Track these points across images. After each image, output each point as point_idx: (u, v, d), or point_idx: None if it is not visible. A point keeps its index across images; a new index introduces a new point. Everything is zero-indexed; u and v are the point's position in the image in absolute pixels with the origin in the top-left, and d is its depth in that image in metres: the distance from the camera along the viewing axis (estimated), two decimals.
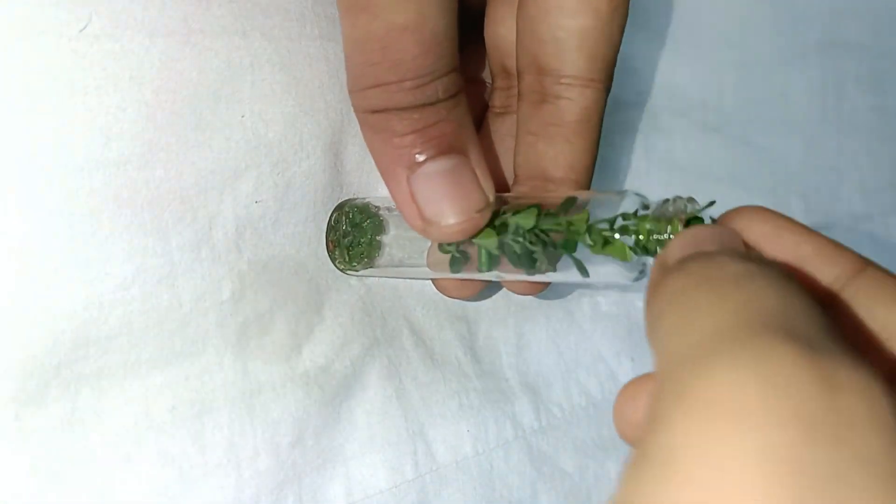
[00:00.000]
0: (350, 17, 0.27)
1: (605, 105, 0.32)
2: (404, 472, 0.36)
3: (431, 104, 0.28)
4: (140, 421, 0.29)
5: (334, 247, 0.34)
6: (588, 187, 0.33)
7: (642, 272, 0.28)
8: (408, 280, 0.38)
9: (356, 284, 0.36)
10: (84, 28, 0.29)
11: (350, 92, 0.29)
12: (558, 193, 0.31)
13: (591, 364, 0.44)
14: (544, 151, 0.32)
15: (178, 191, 0.30)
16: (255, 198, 0.32)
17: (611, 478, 0.45)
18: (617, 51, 0.31)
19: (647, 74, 0.49)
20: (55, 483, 0.28)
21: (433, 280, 0.35)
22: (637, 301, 0.48)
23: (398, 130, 0.28)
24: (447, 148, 0.29)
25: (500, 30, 0.34)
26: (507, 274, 0.31)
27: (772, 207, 0.57)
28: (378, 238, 0.33)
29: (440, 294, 0.37)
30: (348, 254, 0.34)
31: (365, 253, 0.34)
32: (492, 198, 0.30)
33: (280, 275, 0.33)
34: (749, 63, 0.56)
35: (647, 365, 0.47)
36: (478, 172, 0.30)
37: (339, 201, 0.35)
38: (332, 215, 0.34)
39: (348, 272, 0.35)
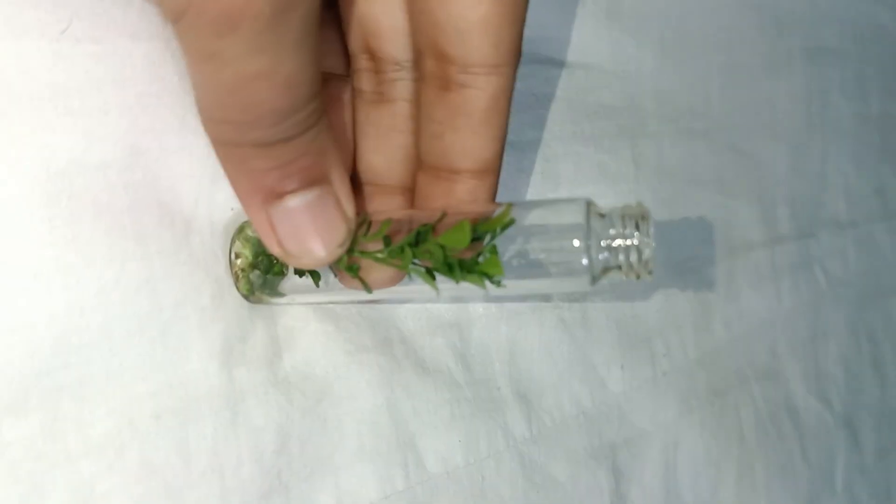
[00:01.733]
0: (195, 64, 0.24)
1: (513, 89, 0.30)
2: (395, 483, 0.35)
3: (290, 139, 0.26)
4: (123, 430, 0.29)
5: (246, 287, 0.32)
6: (497, 176, 0.32)
7: (595, 278, 0.27)
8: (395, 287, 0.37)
9: (343, 291, 0.35)
10: (65, 30, 0.28)
11: (200, 115, 0.26)
12: (482, 208, 0.30)
13: (582, 373, 0.44)
14: (451, 142, 0.30)
15: (156, 195, 0.30)
16: (231, 205, 0.32)
17: (602, 487, 0.45)
18: (523, 28, 0.29)
19: (636, 80, 0.49)
20: (35, 493, 0.27)
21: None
22: (626, 308, 0.47)
23: (255, 166, 0.26)
24: (309, 181, 0.27)
25: (363, 7, 0.31)
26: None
27: (758, 213, 0.57)
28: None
29: (431, 301, 0.36)
30: (261, 288, 0.32)
31: (275, 279, 0.32)
32: (353, 225, 0.29)
33: None
34: (735, 69, 0.57)
35: (637, 373, 0.47)
36: (341, 198, 0.28)
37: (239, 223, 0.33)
38: (231, 258, 0.32)
39: (263, 303, 0.33)
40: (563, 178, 0.44)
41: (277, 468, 0.32)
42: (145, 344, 0.29)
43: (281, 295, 0.32)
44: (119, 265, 0.29)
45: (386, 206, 0.32)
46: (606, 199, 0.46)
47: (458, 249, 0.28)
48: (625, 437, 0.46)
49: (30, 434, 0.27)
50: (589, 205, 0.27)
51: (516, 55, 0.30)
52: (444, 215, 0.28)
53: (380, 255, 0.29)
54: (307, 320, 0.34)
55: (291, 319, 0.34)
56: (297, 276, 0.32)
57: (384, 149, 0.32)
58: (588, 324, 0.45)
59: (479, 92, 0.29)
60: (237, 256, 0.32)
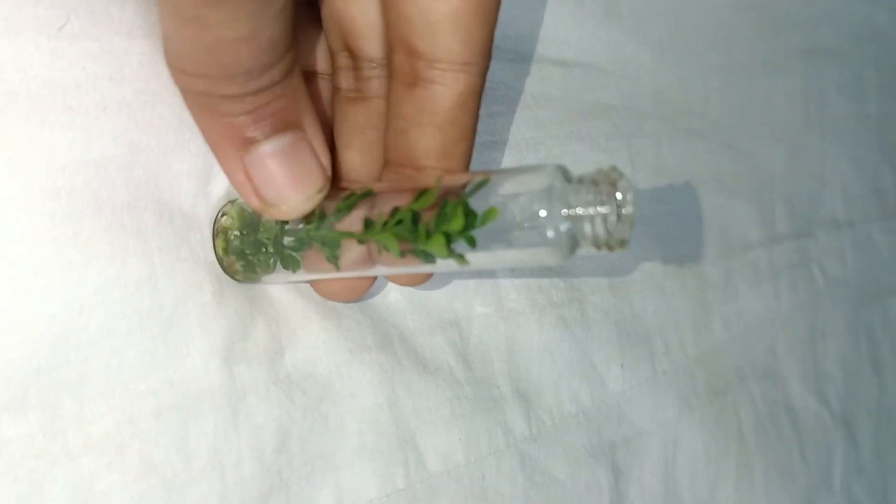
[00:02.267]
0: (173, 24, 0.24)
1: (482, 88, 0.30)
2: (395, 482, 0.35)
3: (264, 89, 0.26)
4: (123, 428, 0.28)
5: (222, 244, 0.32)
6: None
7: (566, 250, 0.26)
8: (396, 286, 0.37)
9: None
10: (63, 27, 0.28)
11: (168, 65, 0.26)
12: (459, 176, 0.29)
13: (582, 371, 0.44)
14: (416, 139, 0.30)
15: (156, 192, 0.30)
16: (229, 200, 0.32)
17: (602, 486, 0.44)
18: (494, 28, 0.29)
19: (634, 79, 0.49)
20: (35, 492, 0.27)
21: (312, 284, 0.34)
22: (626, 307, 0.47)
23: (228, 112, 0.26)
24: (282, 125, 0.27)
25: (341, 5, 0.31)
26: (398, 268, 0.30)
27: (756, 212, 0.57)
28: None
29: (430, 299, 0.36)
30: (238, 255, 0.32)
31: (258, 266, 0.32)
32: (329, 172, 0.29)
33: None
34: (734, 68, 0.57)
35: (636, 372, 0.47)
36: (315, 145, 0.28)
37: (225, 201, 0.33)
38: (217, 217, 0.32)
39: (233, 273, 0.33)
40: None
41: (278, 466, 0.32)
42: (146, 341, 0.29)
43: (257, 277, 0.32)
44: (120, 262, 0.29)
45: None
46: None
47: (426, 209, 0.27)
48: (624, 435, 0.46)
49: (29, 432, 0.27)
50: (558, 171, 0.26)
51: (486, 55, 0.29)
52: (424, 190, 0.28)
53: (359, 234, 0.28)
54: (309, 318, 0.34)
55: (294, 316, 0.34)
56: (281, 269, 0.31)
57: (360, 145, 0.32)
58: (588, 322, 0.45)
59: (445, 89, 0.29)
60: (223, 215, 0.32)
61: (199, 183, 0.31)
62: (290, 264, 0.31)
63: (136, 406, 0.29)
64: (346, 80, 0.32)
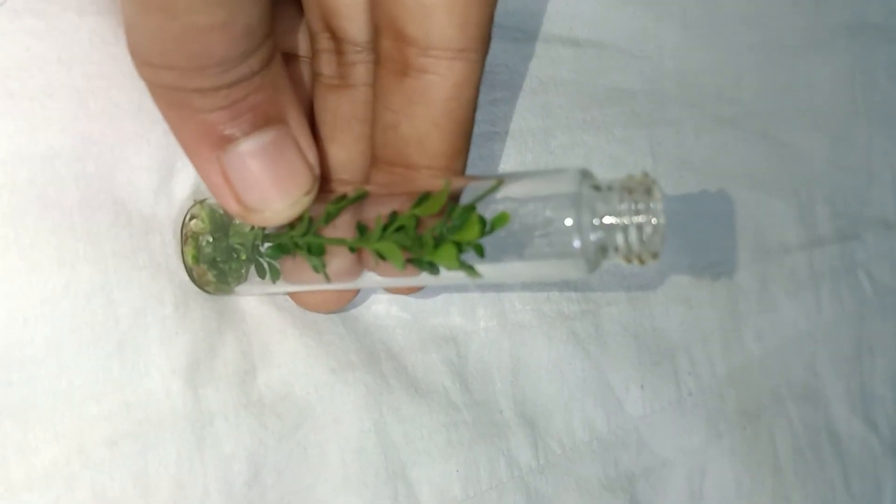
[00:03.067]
0: (135, 10, 0.24)
1: (480, 78, 0.30)
2: None
3: (241, 81, 0.26)
4: (73, 458, 0.28)
5: (192, 252, 0.32)
6: (461, 175, 0.31)
7: (591, 262, 0.26)
8: (385, 296, 0.37)
9: None
10: (4, 2, 0.28)
11: (132, 56, 0.26)
12: (478, 178, 0.29)
13: (596, 393, 0.44)
14: (408, 134, 0.30)
15: (111, 190, 0.30)
16: (194, 197, 0.32)
17: None
18: (493, 11, 0.29)
19: (655, 59, 0.49)
20: None
21: (291, 294, 0.34)
22: (646, 320, 0.47)
23: (201, 107, 0.26)
24: (262, 120, 0.27)
25: None
26: (392, 279, 0.30)
27: (795, 211, 0.57)
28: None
29: (423, 310, 0.36)
30: (210, 264, 0.32)
31: (230, 275, 0.32)
32: (318, 171, 0.29)
33: None
34: (770, 47, 0.57)
35: (658, 393, 0.47)
36: (300, 142, 0.28)
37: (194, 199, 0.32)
38: (185, 220, 0.32)
39: (202, 284, 0.33)
40: None
41: (249, 501, 0.32)
42: (99, 359, 0.29)
43: (229, 288, 0.32)
44: (69, 269, 0.29)
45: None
46: None
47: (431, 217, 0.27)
48: (644, 466, 0.46)
49: None
50: (584, 175, 0.26)
51: (485, 41, 0.29)
52: (426, 194, 0.28)
53: (351, 241, 0.28)
54: (285, 333, 0.34)
55: (267, 331, 0.34)
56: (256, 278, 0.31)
57: (344, 139, 0.32)
58: (603, 337, 0.45)
59: (440, 79, 0.29)
60: (192, 218, 0.32)
61: (160, 179, 0.31)
62: (270, 273, 0.31)
63: (88, 433, 0.29)
64: (327, 66, 0.32)
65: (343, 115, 0.32)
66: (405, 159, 0.30)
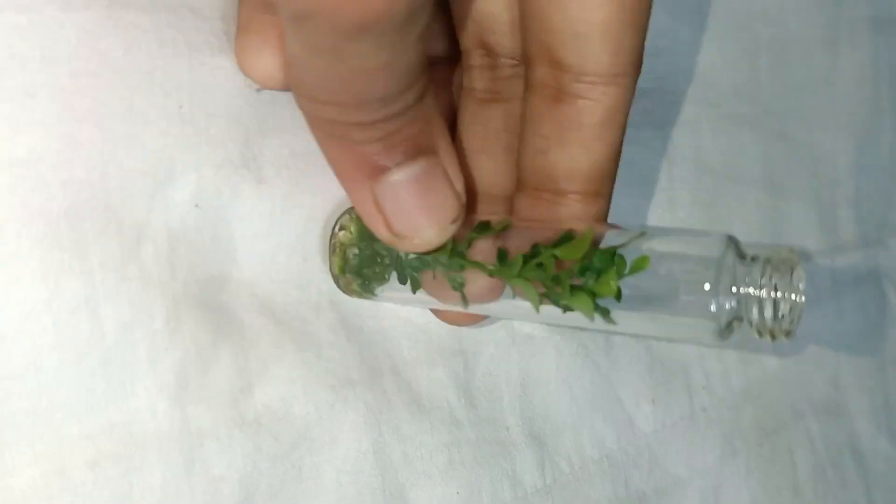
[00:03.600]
0: (306, 54, 0.27)
1: (631, 101, 0.33)
2: None
3: (397, 115, 0.28)
4: (52, 480, 0.29)
5: (339, 263, 0.35)
6: (609, 200, 0.34)
7: (723, 329, 0.28)
8: (392, 306, 0.37)
9: (326, 311, 0.36)
10: None
11: (294, 90, 0.29)
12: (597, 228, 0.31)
13: (606, 409, 0.44)
14: (557, 160, 0.32)
15: (101, 196, 0.30)
16: (195, 202, 0.32)
17: None
18: (645, 36, 0.32)
19: (669, 56, 0.50)
20: None
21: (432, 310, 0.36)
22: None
23: (359, 139, 0.29)
24: (414, 151, 0.30)
25: (479, 2, 0.34)
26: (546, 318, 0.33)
27: (815, 216, 0.57)
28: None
29: (433, 322, 0.36)
30: (356, 273, 0.34)
31: (373, 279, 0.34)
32: (464, 199, 0.31)
33: (223, 300, 0.33)
34: (789, 43, 0.57)
35: (671, 409, 0.47)
36: (449, 171, 0.31)
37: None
38: (333, 230, 0.35)
39: (351, 292, 0.35)
40: None
41: None
42: (82, 377, 0.29)
43: (373, 294, 0.34)
44: (52, 282, 0.29)
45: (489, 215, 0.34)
46: (629, 202, 0.46)
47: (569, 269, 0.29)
48: (656, 485, 0.46)
49: None
50: (730, 241, 0.28)
51: (637, 65, 0.32)
52: (570, 233, 0.30)
53: (490, 267, 0.31)
54: (283, 348, 0.34)
55: (265, 346, 0.34)
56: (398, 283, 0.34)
57: (494, 151, 0.35)
58: (613, 351, 0.45)
59: (594, 104, 0.31)
60: (341, 228, 0.34)
61: (156, 183, 0.31)
62: (411, 284, 0.33)
63: (69, 454, 0.29)
64: (480, 80, 0.35)
65: (494, 128, 0.35)
66: (555, 184, 0.33)
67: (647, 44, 0.48)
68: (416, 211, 0.30)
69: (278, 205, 0.34)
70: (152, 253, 0.31)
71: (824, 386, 0.58)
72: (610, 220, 0.34)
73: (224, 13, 0.33)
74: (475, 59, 0.35)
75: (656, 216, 0.48)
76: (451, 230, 0.31)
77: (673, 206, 0.48)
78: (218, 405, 0.32)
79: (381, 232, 0.31)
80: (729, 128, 0.52)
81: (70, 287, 0.29)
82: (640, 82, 0.47)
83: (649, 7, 0.32)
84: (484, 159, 0.35)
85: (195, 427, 0.31)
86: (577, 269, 0.29)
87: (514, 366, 0.41)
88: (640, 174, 0.47)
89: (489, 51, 0.35)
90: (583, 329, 0.43)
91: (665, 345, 0.48)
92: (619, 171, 0.46)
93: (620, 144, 0.33)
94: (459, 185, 0.31)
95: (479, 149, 0.35)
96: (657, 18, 0.48)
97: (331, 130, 0.29)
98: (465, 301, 0.32)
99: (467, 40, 0.35)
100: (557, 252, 0.30)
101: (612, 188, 0.34)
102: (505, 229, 0.32)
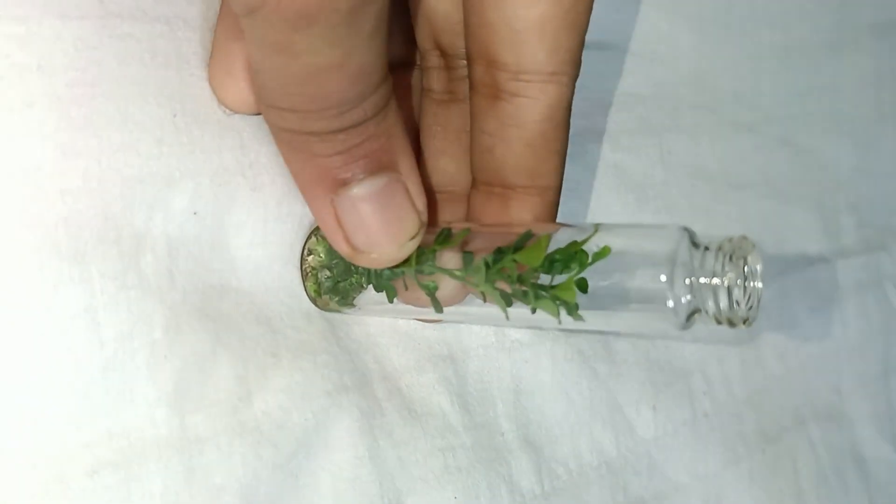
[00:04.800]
0: (262, 55, 0.27)
1: (571, 100, 0.33)
2: None
3: (357, 125, 0.29)
4: (51, 488, 0.29)
5: (313, 287, 0.35)
6: (558, 195, 0.34)
7: (683, 321, 0.28)
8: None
9: (317, 319, 0.36)
10: None
11: (260, 101, 0.29)
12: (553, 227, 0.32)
13: (605, 414, 0.44)
14: (503, 157, 0.33)
15: (99, 205, 0.30)
16: (194, 210, 0.33)
17: None
18: (584, 35, 0.32)
19: (669, 62, 0.50)
20: None
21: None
22: (659, 339, 0.48)
23: (319, 152, 0.29)
24: (375, 167, 0.30)
25: (433, 2, 0.34)
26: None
27: (817, 221, 0.58)
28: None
29: (416, 327, 0.37)
30: (331, 292, 0.35)
31: (350, 290, 0.35)
32: (425, 217, 0.32)
33: (222, 308, 0.33)
34: (790, 48, 0.57)
35: (672, 414, 0.47)
36: (410, 188, 0.31)
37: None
38: (302, 254, 0.35)
39: (331, 310, 0.36)
40: (569, 183, 0.44)
41: None
42: (81, 385, 0.29)
43: (352, 305, 0.35)
44: (51, 290, 0.29)
45: (454, 215, 0.35)
46: (626, 210, 0.46)
47: (532, 268, 0.30)
48: (656, 491, 0.46)
49: None
50: (684, 233, 0.28)
51: (575, 64, 0.32)
52: (528, 234, 0.31)
53: (458, 272, 0.32)
54: (279, 356, 0.34)
55: (263, 354, 0.34)
56: (373, 290, 0.34)
57: (454, 152, 0.36)
58: (612, 356, 0.45)
59: (532, 101, 0.32)
60: (309, 253, 0.35)
61: (155, 191, 0.32)
62: (387, 294, 0.34)
63: (68, 462, 0.29)
64: (437, 82, 0.36)
65: (454, 128, 0.35)
66: (503, 180, 0.33)
67: (645, 49, 0.48)
68: (376, 227, 0.31)
69: (272, 212, 0.35)
70: (151, 261, 0.31)
71: (826, 392, 0.58)
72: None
73: (215, 24, 0.34)
74: (432, 59, 0.36)
75: (654, 223, 0.48)
76: (409, 247, 0.31)
77: (670, 213, 0.48)
78: (218, 413, 0.32)
79: (340, 246, 0.31)
80: (729, 134, 0.52)
81: (69, 295, 0.29)
82: (636, 87, 0.48)
83: (588, 7, 0.32)
84: (445, 160, 0.36)
85: (194, 435, 0.31)
86: (540, 268, 0.30)
87: (505, 372, 0.41)
88: (632, 182, 0.47)
89: (443, 51, 0.35)
90: (571, 332, 0.44)
91: (665, 351, 0.48)
92: (614, 178, 0.46)
93: (565, 139, 0.34)
94: (420, 203, 0.31)
95: (441, 150, 0.36)
96: (657, 24, 0.49)
97: (292, 141, 0.29)
98: (438, 306, 0.33)
99: (424, 41, 0.36)
100: (518, 258, 0.30)
101: (560, 181, 0.34)
102: (463, 235, 0.32)
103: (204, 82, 0.33)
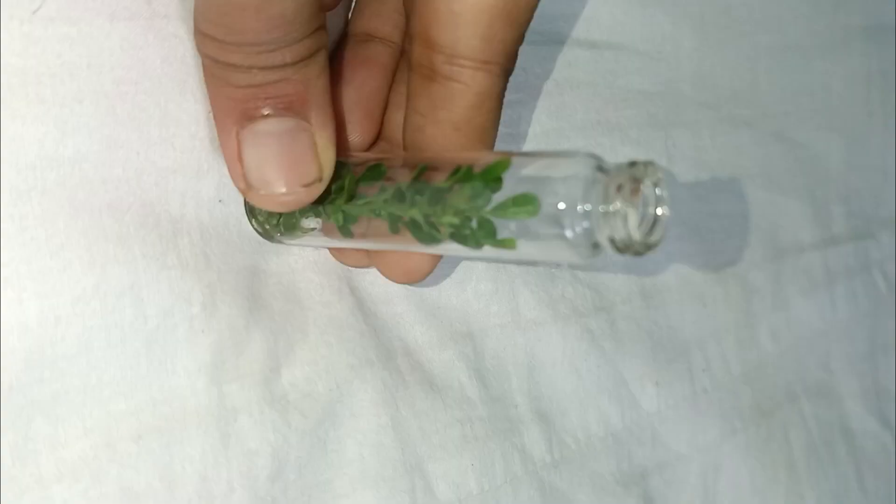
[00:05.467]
0: None
1: (503, 90, 0.31)
2: None
3: (274, 67, 0.28)
4: (101, 452, 0.29)
5: (262, 224, 0.34)
6: None
7: (593, 249, 0.25)
8: (404, 293, 0.38)
9: (346, 296, 0.36)
10: (38, 10, 0.29)
11: (194, 27, 0.28)
12: (480, 156, 0.29)
13: (611, 390, 0.44)
14: (433, 137, 0.31)
15: (138, 192, 0.31)
16: (219, 198, 0.33)
17: None
18: (523, 30, 0.30)
19: (672, 61, 0.49)
20: None
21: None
22: (661, 318, 0.48)
23: (234, 82, 0.28)
24: (285, 108, 0.29)
25: None
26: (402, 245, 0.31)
27: (810, 211, 0.57)
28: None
29: (441, 307, 0.36)
30: (266, 220, 0.34)
31: (287, 220, 0.33)
32: (327, 172, 0.30)
33: (253, 287, 0.33)
34: (786, 49, 0.57)
35: (673, 390, 0.47)
36: (318, 141, 0.30)
37: None
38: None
39: (271, 240, 0.35)
40: None
41: (272, 496, 0.32)
42: (127, 357, 0.30)
43: (300, 229, 0.33)
44: (99, 270, 0.29)
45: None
46: None
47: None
48: (658, 461, 0.46)
49: None
50: (590, 159, 0.25)
51: (508, 56, 0.31)
52: (504, 163, 0.27)
53: (370, 202, 0.30)
54: (307, 332, 0.34)
55: (292, 329, 0.34)
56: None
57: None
58: (618, 335, 0.45)
59: (462, 87, 0.30)
60: None
61: (187, 181, 0.32)
62: (342, 226, 0.32)
63: (116, 428, 0.29)
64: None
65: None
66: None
67: (651, 49, 0.48)
68: (271, 166, 0.29)
69: None
70: (188, 244, 0.32)
71: (817, 370, 0.57)
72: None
73: None
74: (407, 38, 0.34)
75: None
76: (302, 194, 0.30)
77: (674, 202, 0.48)
78: (251, 384, 0.32)
79: (235, 179, 0.30)
80: (728, 129, 0.52)
81: (115, 274, 0.29)
82: (642, 85, 0.48)
83: (530, 4, 0.30)
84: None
85: (230, 404, 0.32)
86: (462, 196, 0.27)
87: (520, 349, 0.41)
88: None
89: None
90: (583, 315, 0.43)
91: (668, 330, 0.48)
92: None
93: (492, 129, 0.32)
94: (325, 160, 0.30)
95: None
96: (661, 26, 0.49)
97: (212, 68, 0.28)
98: (346, 231, 0.31)
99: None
100: (477, 179, 0.27)
101: None
102: (383, 167, 0.31)
103: None
